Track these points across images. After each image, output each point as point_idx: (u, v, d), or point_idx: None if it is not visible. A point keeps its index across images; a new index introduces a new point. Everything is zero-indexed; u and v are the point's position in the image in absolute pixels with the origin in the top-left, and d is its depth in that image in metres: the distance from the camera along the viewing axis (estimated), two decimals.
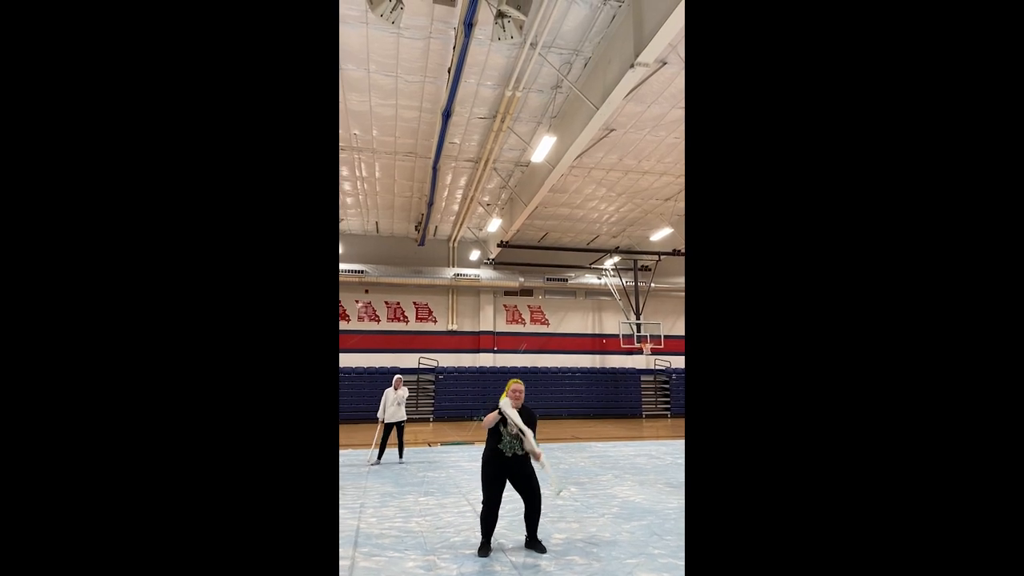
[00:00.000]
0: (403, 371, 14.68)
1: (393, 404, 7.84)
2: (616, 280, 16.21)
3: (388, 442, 7.86)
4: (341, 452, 8.92)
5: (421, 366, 15.21)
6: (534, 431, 3.82)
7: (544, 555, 3.79)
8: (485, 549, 3.76)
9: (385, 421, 7.81)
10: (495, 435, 3.78)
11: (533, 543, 3.86)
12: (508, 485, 3.81)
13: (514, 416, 3.73)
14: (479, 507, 3.97)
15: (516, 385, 3.91)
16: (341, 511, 5.09)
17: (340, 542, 4.11)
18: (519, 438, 3.75)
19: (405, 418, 7.95)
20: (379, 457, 7.82)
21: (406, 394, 8.05)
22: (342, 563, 3.65)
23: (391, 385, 8.06)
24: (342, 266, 14.58)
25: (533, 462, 3.79)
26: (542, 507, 3.96)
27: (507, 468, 3.74)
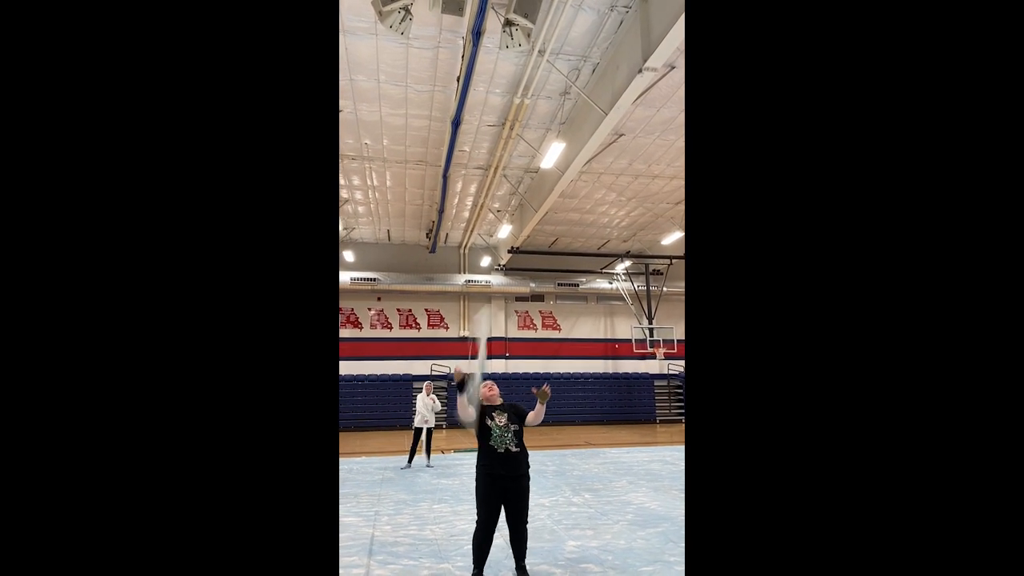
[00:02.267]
0: (415, 378, 14.73)
1: (423, 409, 7.93)
2: (628, 284, 16.14)
3: (418, 447, 8.03)
4: (354, 459, 8.96)
5: (433, 373, 15.23)
6: (523, 421, 3.53)
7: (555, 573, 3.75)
8: None
9: (414, 426, 8.05)
10: (484, 433, 3.38)
11: (520, 571, 3.41)
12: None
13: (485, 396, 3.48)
14: None
15: (486, 383, 3.65)
16: (356, 519, 5.10)
17: (355, 550, 4.12)
18: (509, 429, 3.39)
19: (432, 424, 8.03)
20: (409, 461, 7.99)
21: (434, 400, 8.20)
22: (357, 571, 3.66)
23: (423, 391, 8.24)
24: (354, 274, 14.70)
25: (539, 403, 3.46)
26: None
27: (502, 469, 3.28)
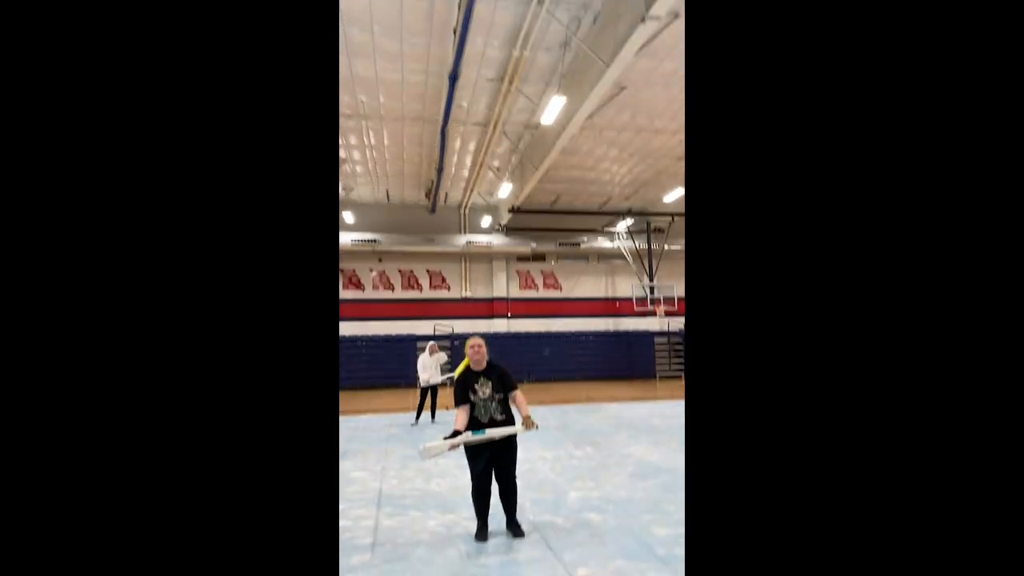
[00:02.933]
0: (419, 338, 14.88)
1: (429, 368, 8.08)
2: (629, 243, 16.06)
3: (424, 405, 8.22)
4: (361, 417, 9.17)
5: (437, 333, 15.37)
6: (513, 389, 3.43)
7: (560, 519, 3.86)
8: (482, 533, 3.36)
9: (421, 385, 8.19)
10: (468, 404, 3.38)
11: (511, 525, 3.43)
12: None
13: (482, 435, 3.24)
14: None
15: (472, 341, 3.44)
16: (364, 474, 5.26)
17: (364, 504, 4.27)
18: (493, 399, 3.36)
19: (438, 381, 8.18)
20: (416, 419, 8.19)
21: (439, 359, 8.30)
22: (366, 523, 3.81)
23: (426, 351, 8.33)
24: (354, 235, 14.62)
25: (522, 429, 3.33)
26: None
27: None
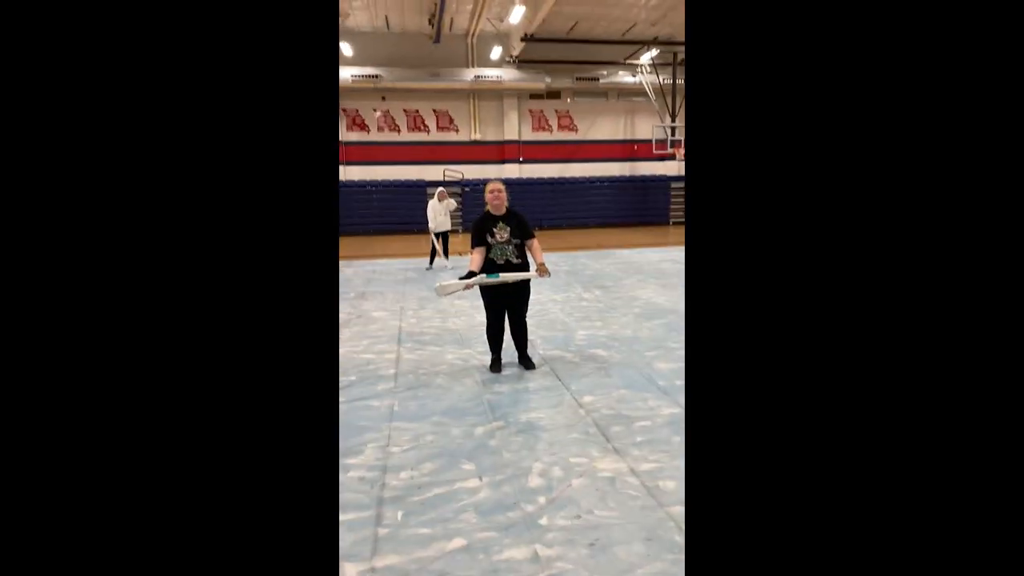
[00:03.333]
0: (429, 183, 14.65)
1: (439, 215, 8.16)
2: (652, 78, 14.74)
3: (437, 251, 8.43)
4: (377, 262, 9.44)
5: (446, 179, 15.07)
6: (531, 237, 3.53)
7: (541, 367, 4.10)
8: (496, 365, 3.63)
9: (431, 231, 8.28)
10: (484, 246, 3.47)
11: (523, 359, 3.69)
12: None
13: (496, 278, 3.37)
14: None
15: (492, 185, 3.48)
16: (384, 314, 5.56)
17: (386, 340, 4.57)
18: (510, 243, 3.44)
19: (448, 227, 8.33)
20: (430, 263, 8.43)
21: (449, 205, 8.34)
22: (389, 356, 4.10)
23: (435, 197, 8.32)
24: (354, 70, 13.57)
25: (536, 275, 3.46)
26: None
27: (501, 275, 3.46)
